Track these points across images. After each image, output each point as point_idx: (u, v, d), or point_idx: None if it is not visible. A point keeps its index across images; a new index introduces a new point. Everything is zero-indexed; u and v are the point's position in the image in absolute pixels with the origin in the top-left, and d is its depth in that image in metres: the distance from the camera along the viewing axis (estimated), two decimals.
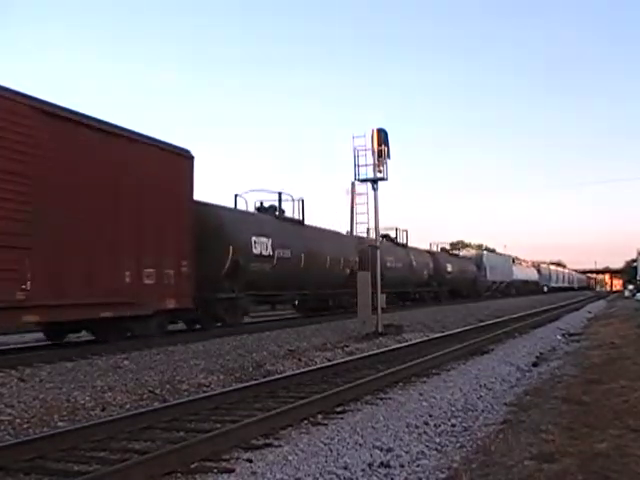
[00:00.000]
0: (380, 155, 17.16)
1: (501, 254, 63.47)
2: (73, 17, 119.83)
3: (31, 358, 10.75)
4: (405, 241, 33.66)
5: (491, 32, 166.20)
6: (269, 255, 18.52)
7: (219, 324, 16.99)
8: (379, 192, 17.57)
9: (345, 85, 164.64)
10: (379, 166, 17.26)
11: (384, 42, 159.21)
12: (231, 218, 17.67)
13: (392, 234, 32.60)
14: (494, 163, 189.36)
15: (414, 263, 33.06)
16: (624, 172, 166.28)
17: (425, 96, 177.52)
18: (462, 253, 50.29)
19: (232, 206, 19.36)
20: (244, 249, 17.29)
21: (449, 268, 40.18)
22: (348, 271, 23.19)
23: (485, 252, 56.45)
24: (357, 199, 20.82)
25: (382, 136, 17.18)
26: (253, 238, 17.90)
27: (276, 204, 21.04)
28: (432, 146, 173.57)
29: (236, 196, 20.06)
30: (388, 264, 27.29)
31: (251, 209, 20.55)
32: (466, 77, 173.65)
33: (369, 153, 17.31)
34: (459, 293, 43.07)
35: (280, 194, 21.15)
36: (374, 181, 17.47)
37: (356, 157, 17.43)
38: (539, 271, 75.78)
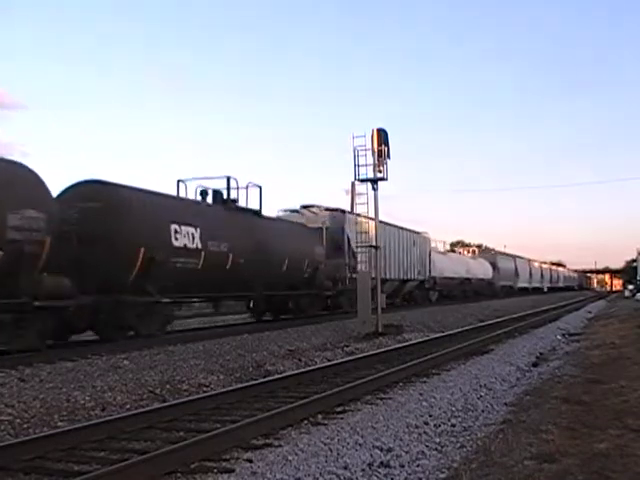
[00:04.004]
0: (380, 155, 17.17)
1: (410, 229, 32.56)
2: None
3: (31, 358, 10.75)
4: None
5: (491, 31, 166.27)
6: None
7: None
8: (379, 192, 17.62)
9: (345, 86, 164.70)
10: (379, 166, 17.27)
11: (383, 42, 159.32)
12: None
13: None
14: (494, 163, 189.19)
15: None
16: (624, 172, 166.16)
17: (424, 95, 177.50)
18: (282, 214, 24.46)
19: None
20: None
21: (213, 246, 16.12)
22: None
23: (350, 215, 24.27)
24: (357, 199, 20.84)
25: (382, 136, 17.19)
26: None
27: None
28: (432, 146, 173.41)
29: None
30: None
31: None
32: (466, 76, 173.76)
33: (369, 153, 17.33)
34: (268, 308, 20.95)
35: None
36: (374, 181, 17.48)
37: (356, 157, 17.46)
38: (494, 265, 50.80)
